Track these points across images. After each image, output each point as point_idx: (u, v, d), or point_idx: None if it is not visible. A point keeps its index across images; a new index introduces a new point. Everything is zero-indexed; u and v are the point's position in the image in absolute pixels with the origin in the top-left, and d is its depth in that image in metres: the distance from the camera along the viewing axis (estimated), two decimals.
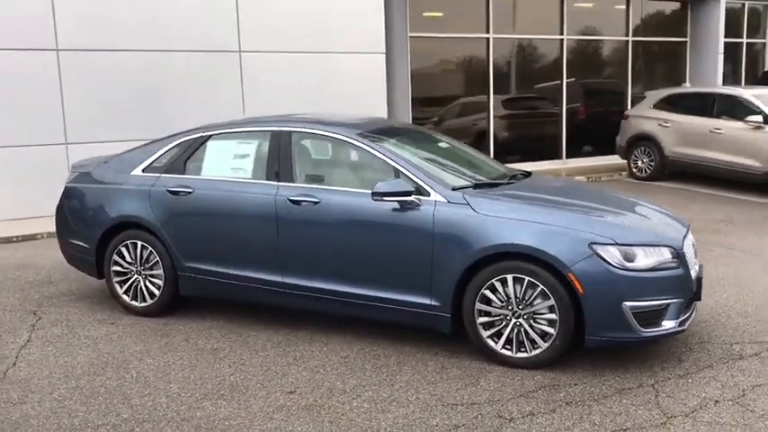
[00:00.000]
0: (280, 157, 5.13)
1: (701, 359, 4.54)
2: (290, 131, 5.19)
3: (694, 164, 11.66)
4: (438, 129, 12.66)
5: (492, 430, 3.66)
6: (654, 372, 4.35)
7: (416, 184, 4.66)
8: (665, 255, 4.32)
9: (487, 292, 4.42)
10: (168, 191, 5.37)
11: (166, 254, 5.39)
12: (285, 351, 4.81)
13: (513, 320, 4.40)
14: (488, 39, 13.33)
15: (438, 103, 13.49)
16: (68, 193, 5.91)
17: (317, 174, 5.21)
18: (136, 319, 5.49)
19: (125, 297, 5.61)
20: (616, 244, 4.23)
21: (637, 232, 4.43)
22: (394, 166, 4.80)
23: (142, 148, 5.79)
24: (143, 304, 5.54)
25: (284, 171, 5.08)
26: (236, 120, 5.80)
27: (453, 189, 4.67)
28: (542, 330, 4.34)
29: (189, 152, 5.49)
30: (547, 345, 4.33)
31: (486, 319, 4.47)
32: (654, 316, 4.27)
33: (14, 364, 4.66)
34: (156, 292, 5.48)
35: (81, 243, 5.76)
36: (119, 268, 5.59)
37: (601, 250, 4.20)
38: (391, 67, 11.90)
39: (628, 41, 15.18)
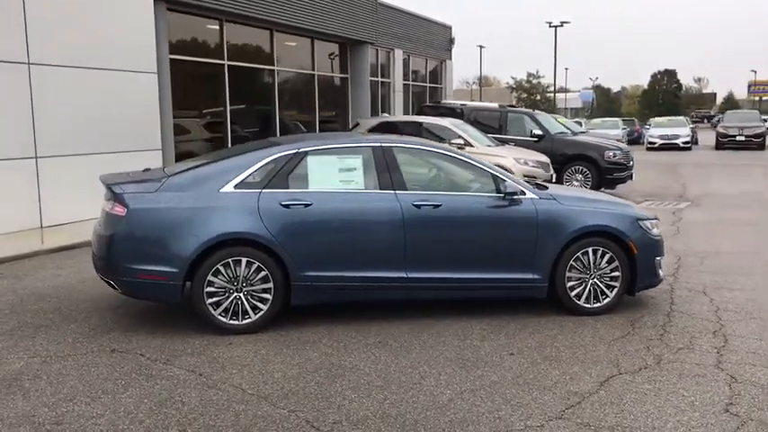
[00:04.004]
0: (389, 168, 5.78)
1: (663, 303, 6.63)
2: (391, 146, 5.88)
3: None
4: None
5: (660, 345, 5.32)
6: (659, 308, 6.44)
7: (516, 186, 5.97)
8: (657, 226, 6.54)
9: (573, 262, 6.02)
10: (282, 204, 5.47)
11: (277, 267, 5.46)
12: (437, 335, 5.53)
13: (590, 281, 6.08)
14: (224, 65, 13.98)
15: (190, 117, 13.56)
16: (136, 218, 5.32)
17: (424, 181, 5.99)
18: (248, 337, 5.40)
19: (221, 318, 5.42)
20: (648, 219, 6.30)
21: (646, 212, 6.55)
22: (492, 173, 6.00)
23: (221, 164, 5.61)
24: (245, 321, 5.46)
25: (396, 180, 5.76)
26: (326, 135, 6.05)
27: (537, 187, 6.12)
28: (607, 284, 6.12)
29: (288, 168, 5.63)
30: (613, 294, 6.13)
31: (571, 283, 6.05)
32: (659, 267, 6.44)
33: (244, 392, 4.44)
34: (263, 306, 5.47)
35: (161, 268, 5.30)
36: (212, 289, 5.38)
37: (642, 224, 6.20)
38: (160, 86, 11.80)
39: (314, 75, 17.32)
